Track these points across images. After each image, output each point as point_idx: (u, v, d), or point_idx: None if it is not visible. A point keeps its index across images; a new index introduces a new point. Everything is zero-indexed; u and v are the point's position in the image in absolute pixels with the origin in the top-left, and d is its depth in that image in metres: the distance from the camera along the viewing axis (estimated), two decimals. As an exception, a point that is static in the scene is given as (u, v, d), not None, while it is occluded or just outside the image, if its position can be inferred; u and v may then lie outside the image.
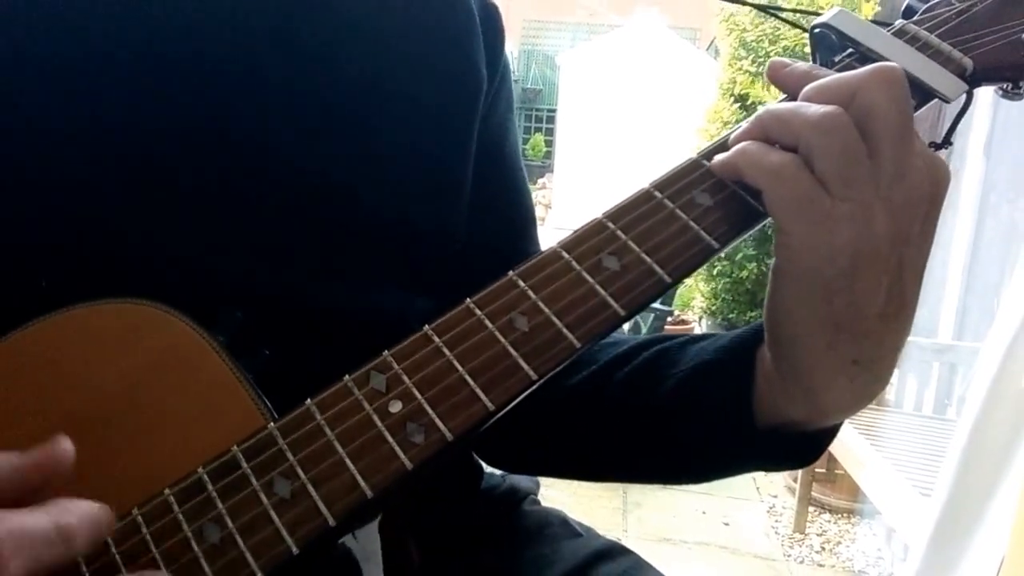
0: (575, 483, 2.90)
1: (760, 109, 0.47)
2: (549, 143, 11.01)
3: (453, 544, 0.68)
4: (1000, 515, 1.61)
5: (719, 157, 0.47)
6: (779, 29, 3.86)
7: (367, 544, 0.48)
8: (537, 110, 11.95)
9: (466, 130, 0.67)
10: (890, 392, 2.72)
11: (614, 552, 0.71)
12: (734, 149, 0.46)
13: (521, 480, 0.79)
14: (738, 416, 0.52)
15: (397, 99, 0.63)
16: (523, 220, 0.76)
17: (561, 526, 0.75)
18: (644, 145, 7.33)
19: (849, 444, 2.30)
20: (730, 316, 4.08)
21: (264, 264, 0.57)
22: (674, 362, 0.58)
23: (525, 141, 11.64)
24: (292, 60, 0.59)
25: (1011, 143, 2.55)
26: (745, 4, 0.79)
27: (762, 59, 3.95)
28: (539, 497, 0.80)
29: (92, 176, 0.54)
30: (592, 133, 7.93)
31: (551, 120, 10.97)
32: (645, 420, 0.58)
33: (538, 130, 11.87)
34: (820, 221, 0.43)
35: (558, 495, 2.64)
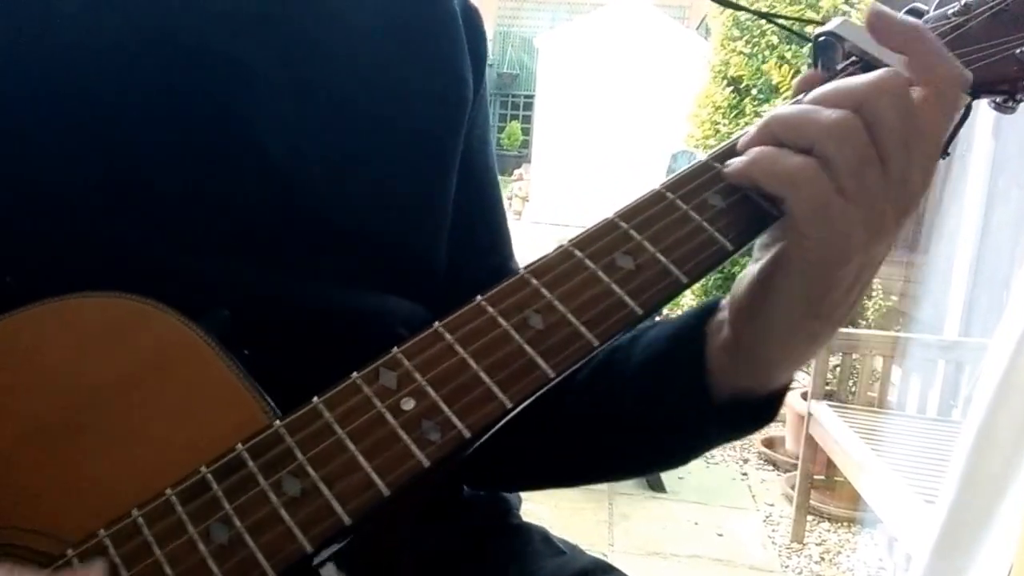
0: (557, 495, 2.90)
1: (768, 114, 0.50)
2: (526, 131, 11.02)
3: (434, 563, 0.70)
4: (1008, 522, 1.61)
5: (733, 165, 0.50)
6: (775, 7, 3.85)
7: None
8: (513, 96, 11.94)
9: (453, 146, 0.70)
10: (892, 393, 2.74)
11: (598, 570, 0.73)
12: (747, 157, 0.49)
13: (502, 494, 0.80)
14: (696, 398, 0.57)
15: (384, 119, 0.66)
16: (494, 234, 0.78)
17: (543, 543, 0.76)
18: (629, 133, 7.33)
19: (849, 449, 2.31)
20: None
21: (246, 264, 0.59)
22: (627, 357, 0.62)
23: (500, 130, 11.58)
24: (284, 68, 0.61)
25: (1022, 121, 2.55)
26: (742, 10, 0.82)
27: (757, 39, 3.96)
28: (520, 511, 0.81)
29: (70, 174, 0.56)
30: (572, 121, 7.93)
31: (528, 107, 10.97)
32: (606, 419, 0.63)
33: (514, 118, 11.87)
34: (838, 223, 0.47)
35: (538, 508, 2.65)
